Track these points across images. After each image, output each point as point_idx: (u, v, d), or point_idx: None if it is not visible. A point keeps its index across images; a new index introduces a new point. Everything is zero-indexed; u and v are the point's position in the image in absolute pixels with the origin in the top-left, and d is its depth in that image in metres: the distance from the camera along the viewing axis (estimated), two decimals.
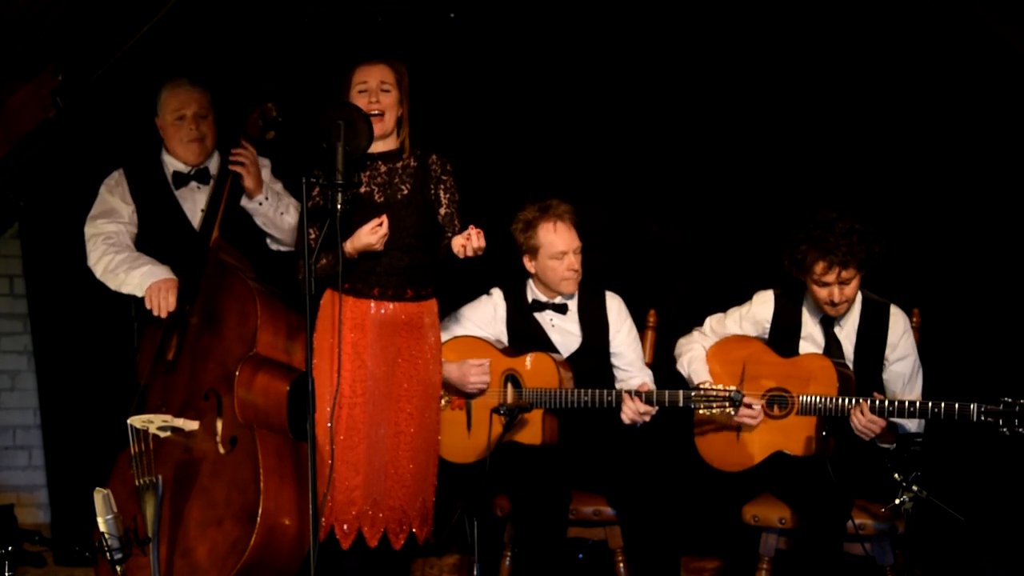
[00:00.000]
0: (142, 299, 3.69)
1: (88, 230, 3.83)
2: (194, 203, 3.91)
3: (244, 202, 3.86)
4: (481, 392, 3.84)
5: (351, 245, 3.48)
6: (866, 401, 3.55)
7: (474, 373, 3.80)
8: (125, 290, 3.72)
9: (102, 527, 3.29)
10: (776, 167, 4.47)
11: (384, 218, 3.47)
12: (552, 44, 4.53)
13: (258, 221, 3.90)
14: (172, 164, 3.93)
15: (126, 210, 3.87)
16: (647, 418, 3.71)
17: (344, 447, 3.52)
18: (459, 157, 3.86)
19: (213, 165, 3.95)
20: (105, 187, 3.90)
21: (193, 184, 3.91)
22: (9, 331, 4.80)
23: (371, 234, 3.45)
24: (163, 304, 3.65)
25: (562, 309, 3.92)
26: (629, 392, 3.70)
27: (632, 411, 3.68)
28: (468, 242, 3.41)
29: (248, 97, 3.92)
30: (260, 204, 3.86)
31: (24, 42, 3.77)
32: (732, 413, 3.64)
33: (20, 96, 4.03)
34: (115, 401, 4.23)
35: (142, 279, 3.69)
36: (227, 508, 3.48)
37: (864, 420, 3.52)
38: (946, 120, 4.29)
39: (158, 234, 3.88)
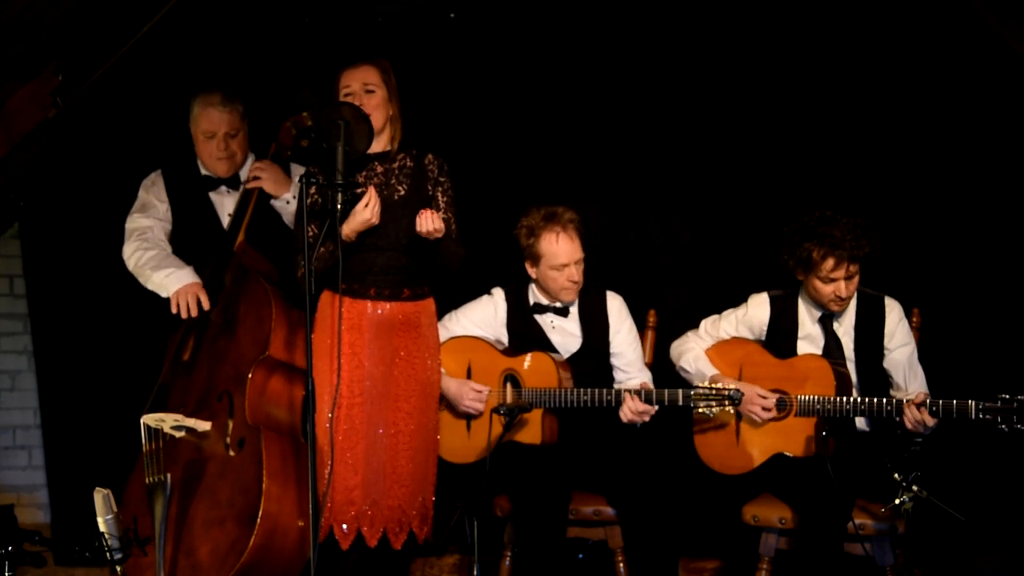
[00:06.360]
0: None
1: (127, 224, 3.93)
2: (223, 206, 3.98)
3: (273, 200, 3.91)
4: (473, 414, 3.83)
5: (349, 227, 3.47)
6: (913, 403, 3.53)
7: (470, 396, 3.80)
8: (150, 287, 3.82)
9: (102, 527, 3.29)
10: (775, 166, 4.46)
11: (372, 190, 3.47)
12: (553, 44, 4.52)
13: (286, 220, 3.95)
14: (204, 169, 4.00)
15: (161, 207, 3.95)
16: (646, 418, 3.70)
17: (342, 447, 3.53)
18: (459, 157, 3.86)
19: (244, 171, 4.00)
20: (143, 186, 3.99)
21: (223, 188, 3.98)
22: (9, 331, 4.79)
23: (365, 210, 3.45)
24: (192, 306, 3.72)
25: (563, 312, 3.91)
26: (629, 391, 3.70)
27: (631, 410, 3.68)
28: (423, 220, 3.43)
29: (283, 106, 3.99)
30: (288, 203, 3.90)
31: (24, 42, 3.77)
32: (731, 411, 3.64)
33: (20, 96, 4.03)
34: (116, 401, 4.26)
35: (164, 281, 3.76)
36: (230, 508, 3.50)
37: (917, 415, 3.50)
38: (945, 120, 4.29)
39: (189, 233, 3.95)
